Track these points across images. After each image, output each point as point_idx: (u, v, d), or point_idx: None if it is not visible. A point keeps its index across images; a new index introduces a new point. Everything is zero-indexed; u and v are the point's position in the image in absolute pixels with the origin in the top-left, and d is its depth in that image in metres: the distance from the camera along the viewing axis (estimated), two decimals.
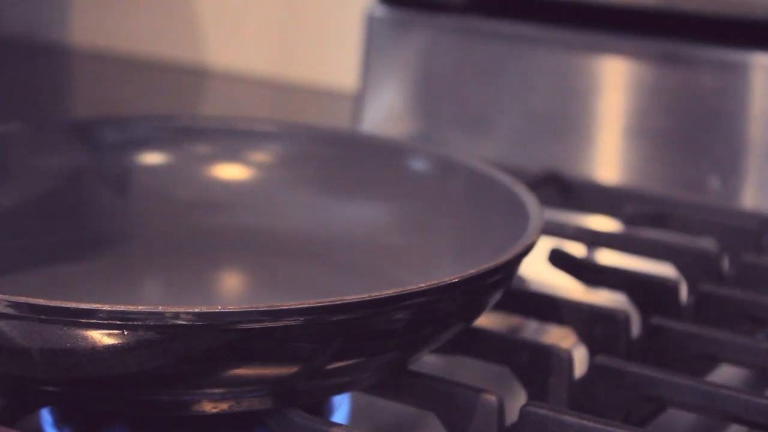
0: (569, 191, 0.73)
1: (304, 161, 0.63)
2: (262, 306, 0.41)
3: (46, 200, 0.60)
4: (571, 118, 0.81)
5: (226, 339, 0.41)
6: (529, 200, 0.54)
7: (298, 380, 0.44)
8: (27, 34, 1.17)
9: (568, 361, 0.51)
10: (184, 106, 1.04)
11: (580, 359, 0.53)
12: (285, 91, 1.05)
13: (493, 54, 0.83)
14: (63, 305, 0.40)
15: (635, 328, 0.57)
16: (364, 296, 0.42)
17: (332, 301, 0.41)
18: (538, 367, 0.51)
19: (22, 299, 0.41)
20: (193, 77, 1.10)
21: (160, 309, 0.40)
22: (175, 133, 0.63)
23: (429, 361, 0.53)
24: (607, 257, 0.68)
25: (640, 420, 0.51)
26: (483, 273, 0.45)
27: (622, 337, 0.55)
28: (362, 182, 0.61)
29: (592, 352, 0.55)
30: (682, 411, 0.50)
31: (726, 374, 0.57)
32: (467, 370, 0.55)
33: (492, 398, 0.46)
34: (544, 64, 0.82)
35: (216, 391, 0.44)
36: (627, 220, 0.70)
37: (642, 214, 0.70)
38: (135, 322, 0.40)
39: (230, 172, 0.63)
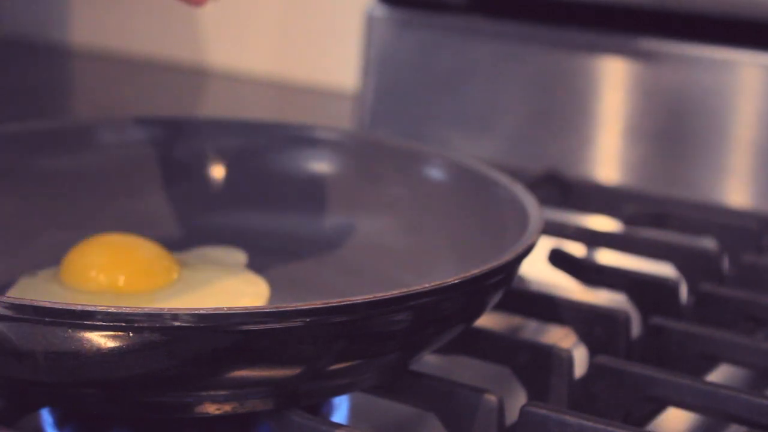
0: (569, 191, 0.73)
1: (305, 162, 0.63)
2: (266, 307, 0.41)
3: (46, 200, 0.60)
4: (570, 117, 0.81)
5: (230, 340, 0.41)
6: (529, 200, 0.54)
7: (301, 381, 0.44)
8: (27, 34, 1.17)
9: (568, 361, 0.51)
10: (184, 106, 1.04)
11: (580, 359, 0.53)
12: (285, 91, 1.05)
13: (493, 54, 0.83)
14: (67, 307, 0.40)
15: (635, 328, 0.57)
16: (368, 297, 0.42)
17: (336, 302, 0.41)
18: (538, 367, 0.51)
19: (26, 301, 0.41)
20: (193, 77, 1.10)
21: (163, 310, 0.40)
22: (176, 133, 0.63)
23: (429, 361, 0.53)
24: (607, 257, 0.68)
25: (640, 420, 0.51)
26: (484, 274, 0.46)
27: (622, 337, 0.55)
28: (363, 183, 0.62)
29: (592, 352, 0.55)
30: (682, 411, 0.50)
31: (726, 374, 0.57)
32: (467, 370, 0.55)
33: (492, 398, 0.46)
34: (543, 63, 0.82)
35: (219, 392, 0.44)
36: (627, 220, 0.70)
37: (642, 214, 0.70)
38: (138, 324, 0.40)
39: (230, 172, 0.63)
